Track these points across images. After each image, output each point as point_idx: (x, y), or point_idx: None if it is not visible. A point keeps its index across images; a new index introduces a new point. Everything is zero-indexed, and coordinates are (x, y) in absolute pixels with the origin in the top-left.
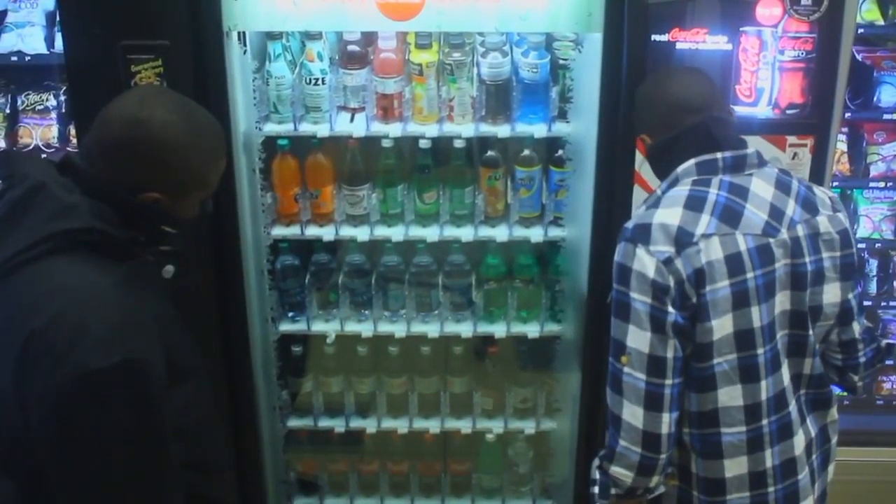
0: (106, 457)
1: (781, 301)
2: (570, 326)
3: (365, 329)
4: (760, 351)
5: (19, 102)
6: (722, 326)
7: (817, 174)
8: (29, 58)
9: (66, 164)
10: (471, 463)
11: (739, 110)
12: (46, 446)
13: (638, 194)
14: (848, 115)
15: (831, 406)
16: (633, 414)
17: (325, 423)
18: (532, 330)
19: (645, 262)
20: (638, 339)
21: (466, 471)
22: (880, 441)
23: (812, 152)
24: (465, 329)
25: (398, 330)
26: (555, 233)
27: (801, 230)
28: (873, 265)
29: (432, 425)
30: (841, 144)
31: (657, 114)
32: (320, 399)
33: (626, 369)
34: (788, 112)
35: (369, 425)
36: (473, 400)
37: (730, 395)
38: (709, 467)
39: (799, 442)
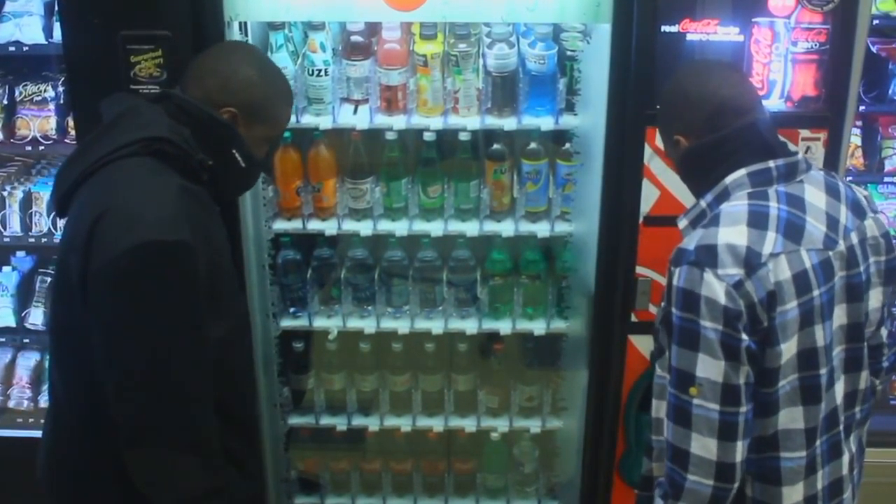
0: (142, 325)
1: (839, 316)
2: (577, 323)
3: (368, 325)
4: (823, 371)
5: (17, 93)
6: (789, 349)
7: (831, 169)
8: (27, 48)
9: (160, 97)
10: (475, 462)
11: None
12: (98, 315)
13: (647, 188)
14: (862, 108)
15: (870, 419)
16: (704, 447)
17: (326, 420)
18: (538, 327)
19: (715, 288)
20: (710, 368)
21: (470, 470)
22: (893, 442)
23: (825, 146)
24: (470, 326)
25: (401, 326)
26: (562, 228)
27: (854, 238)
28: None
29: (436, 424)
30: (855, 138)
31: (702, 113)
32: (322, 396)
33: (696, 401)
34: (801, 105)
35: (372, 423)
36: (478, 398)
37: (790, 418)
38: (766, 493)
39: (846, 460)
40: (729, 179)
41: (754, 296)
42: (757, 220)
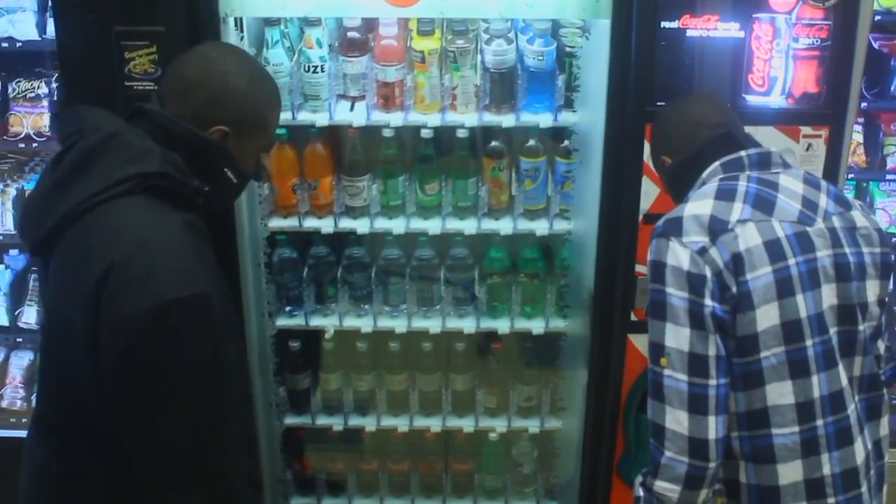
0: (176, 387)
1: (828, 295)
2: (576, 322)
3: (365, 324)
4: (809, 343)
5: (10, 90)
6: (767, 316)
7: (832, 166)
8: (20, 44)
9: (136, 113)
10: (473, 462)
11: (751, 100)
12: (116, 378)
13: (647, 186)
14: (864, 105)
15: (884, 414)
16: (676, 420)
17: (323, 420)
18: (537, 326)
19: (679, 255)
20: (677, 337)
21: (469, 471)
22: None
23: (827, 143)
24: (468, 325)
25: (399, 325)
26: (560, 226)
27: (836, 221)
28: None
29: (434, 424)
30: (857, 135)
31: (679, 133)
32: (318, 396)
33: (666, 371)
34: (802, 102)
35: (369, 423)
36: (476, 398)
37: (778, 392)
38: (761, 474)
39: (859, 451)
40: (705, 173)
41: (719, 261)
42: (724, 195)
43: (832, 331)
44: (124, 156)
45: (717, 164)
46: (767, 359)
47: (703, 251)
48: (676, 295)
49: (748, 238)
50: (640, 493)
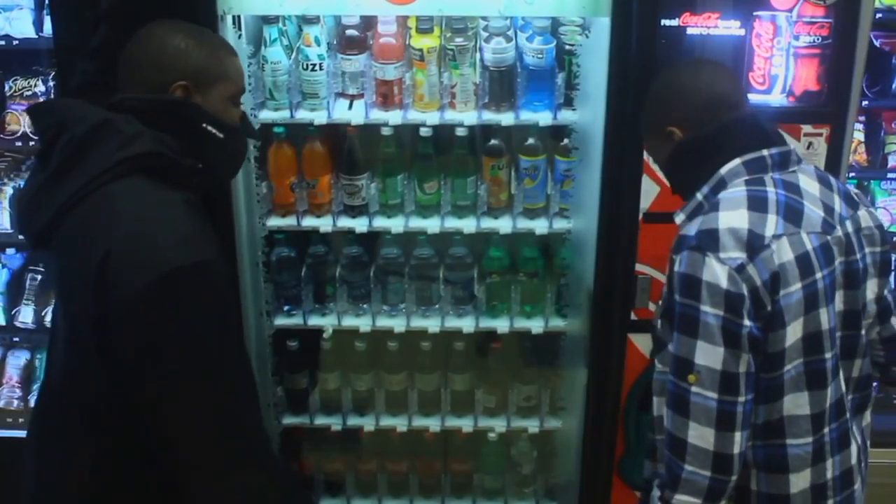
0: (188, 355)
1: (838, 302)
2: (576, 322)
3: (363, 323)
4: (828, 355)
5: (7, 88)
6: (794, 332)
7: (833, 165)
8: (17, 42)
9: (115, 105)
10: (472, 463)
11: (752, 98)
12: (130, 355)
13: (647, 184)
14: (865, 103)
15: (869, 408)
16: (701, 436)
17: (321, 420)
18: (536, 325)
19: (716, 272)
20: (709, 355)
21: (468, 471)
22: (894, 442)
23: (828, 142)
24: (467, 324)
25: (398, 325)
26: (560, 224)
27: (849, 226)
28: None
29: (432, 424)
30: (858, 134)
31: (693, 105)
32: (317, 396)
33: (694, 388)
34: (803, 100)
35: (367, 423)
36: (475, 397)
37: (795, 403)
38: (773, 482)
39: (853, 450)
40: (724, 170)
41: (757, 279)
42: (757, 204)
43: (837, 335)
44: (116, 141)
45: (738, 162)
46: (788, 371)
47: (741, 268)
48: (712, 313)
49: (782, 254)
50: None
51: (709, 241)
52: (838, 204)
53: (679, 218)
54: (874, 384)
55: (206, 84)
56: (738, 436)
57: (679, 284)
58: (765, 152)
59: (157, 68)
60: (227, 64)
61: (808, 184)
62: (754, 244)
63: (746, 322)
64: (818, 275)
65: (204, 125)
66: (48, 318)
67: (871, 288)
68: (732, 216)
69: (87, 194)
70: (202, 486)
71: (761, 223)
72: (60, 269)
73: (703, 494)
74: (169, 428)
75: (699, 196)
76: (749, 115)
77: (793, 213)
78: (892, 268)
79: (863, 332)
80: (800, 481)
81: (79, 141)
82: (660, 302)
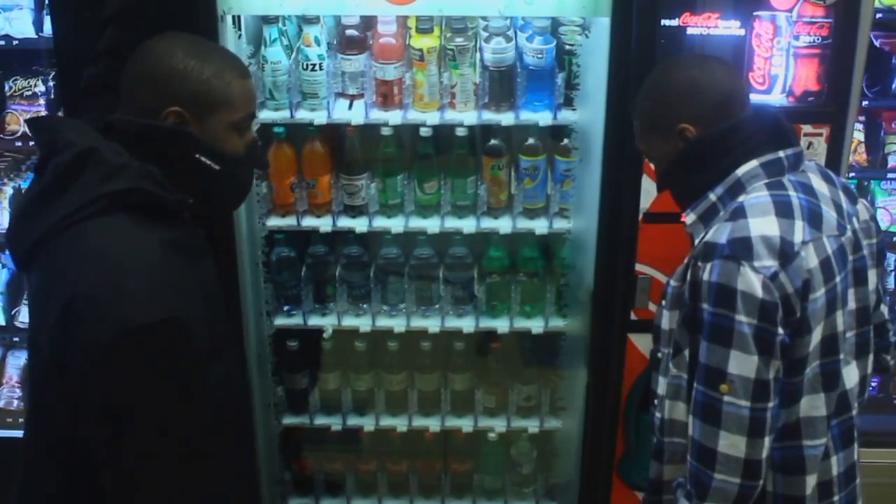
0: (144, 417)
1: (850, 300)
2: (576, 322)
3: (363, 323)
4: (841, 356)
5: (7, 88)
6: (816, 336)
7: (833, 165)
8: (17, 42)
9: (108, 127)
10: (472, 463)
11: (752, 98)
12: (84, 407)
13: (647, 184)
14: (865, 103)
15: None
16: (733, 445)
17: (321, 420)
18: (536, 325)
19: (752, 281)
20: (743, 364)
21: (468, 471)
22: (894, 442)
23: (828, 142)
24: (467, 324)
25: (397, 324)
26: (560, 224)
27: (855, 222)
28: (891, 260)
29: (432, 424)
30: (858, 134)
31: (709, 101)
32: (317, 396)
33: (727, 398)
34: (803, 100)
35: (367, 423)
36: (475, 397)
37: (811, 405)
38: (789, 484)
39: (856, 447)
40: (741, 171)
41: (789, 287)
42: (784, 210)
43: (850, 334)
44: (99, 173)
45: (755, 164)
46: (807, 374)
47: (774, 276)
48: (747, 322)
49: (810, 260)
50: None
51: (743, 250)
52: (844, 201)
53: (689, 218)
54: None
55: (204, 110)
56: (766, 441)
57: (712, 294)
58: (781, 154)
59: (151, 90)
60: (232, 88)
61: (819, 183)
62: (787, 252)
63: (780, 330)
64: (837, 278)
65: (197, 156)
66: None
67: (871, 279)
68: (763, 223)
69: (64, 228)
70: None
71: (791, 230)
72: (31, 299)
73: (731, 501)
74: (114, 485)
75: (712, 197)
76: (765, 113)
77: (815, 218)
78: (885, 257)
79: (870, 326)
80: (811, 481)
81: (64, 168)
82: (662, 302)
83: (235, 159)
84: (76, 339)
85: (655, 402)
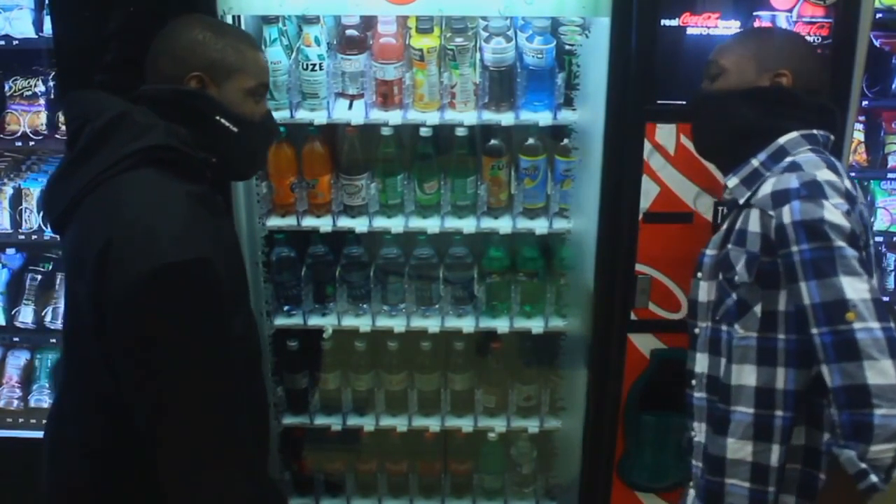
0: (175, 349)
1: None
2: (576, 322)
3: (363, 323)
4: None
5: (7, 88)
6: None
7: None
8: (17, 42)
9: (138, 97)
10: (472, 463)
11: None
12: (120, 343)
13: (647, 184)
14: (865, 103)
15: None
16: (881, 371)
17: (321, 420)
18: (536, 325)
19: (835, 213)
20: (857, 287)
21: (468, 471)
22: None
23: None
24: (467, 324)
25: (397, 324)
26: (560, 224)
27: (865, 213)
28: (891, 259)
29: (432, 424)
30: (858, 134)
31: (815, 66)
32: (317, 396)
33: (856, 325)
34: None
35: (367, 423)
36: (475, 397)
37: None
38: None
39: None
40: (783, 139)
41: (857, 226)
42: (834, 168)
43: None
44: (130, 133)
45: (796, 134)
46: None
47: (848, 213)
48: (846, 246)
49: (862, 215)
50: (862, 466)
51: (817, 190)
52: (858, 191)
53: (732, 181)
54: None
55: (221, 76)
56: None
57: (801, 232)
58: (815, 131)
59: (172, 59)
60: (247, 57)
61: (842, 168)
62: (850, 195)
63: (864, 255)
64: (871, 242)
65: (217, 117)
66: (48, 318)
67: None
68: (823, 173)
69: (98, 184)
70: (174, 483)
71: (843, 183)
72: (68, 254)
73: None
74: (148, 420)
75: (755, 162)
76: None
77: (853, 185)
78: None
79: None
80: None
81: (98, 132)
82: (698, 275)
83: (251, 123)
84: (112, 277)
85: (693, 382)
